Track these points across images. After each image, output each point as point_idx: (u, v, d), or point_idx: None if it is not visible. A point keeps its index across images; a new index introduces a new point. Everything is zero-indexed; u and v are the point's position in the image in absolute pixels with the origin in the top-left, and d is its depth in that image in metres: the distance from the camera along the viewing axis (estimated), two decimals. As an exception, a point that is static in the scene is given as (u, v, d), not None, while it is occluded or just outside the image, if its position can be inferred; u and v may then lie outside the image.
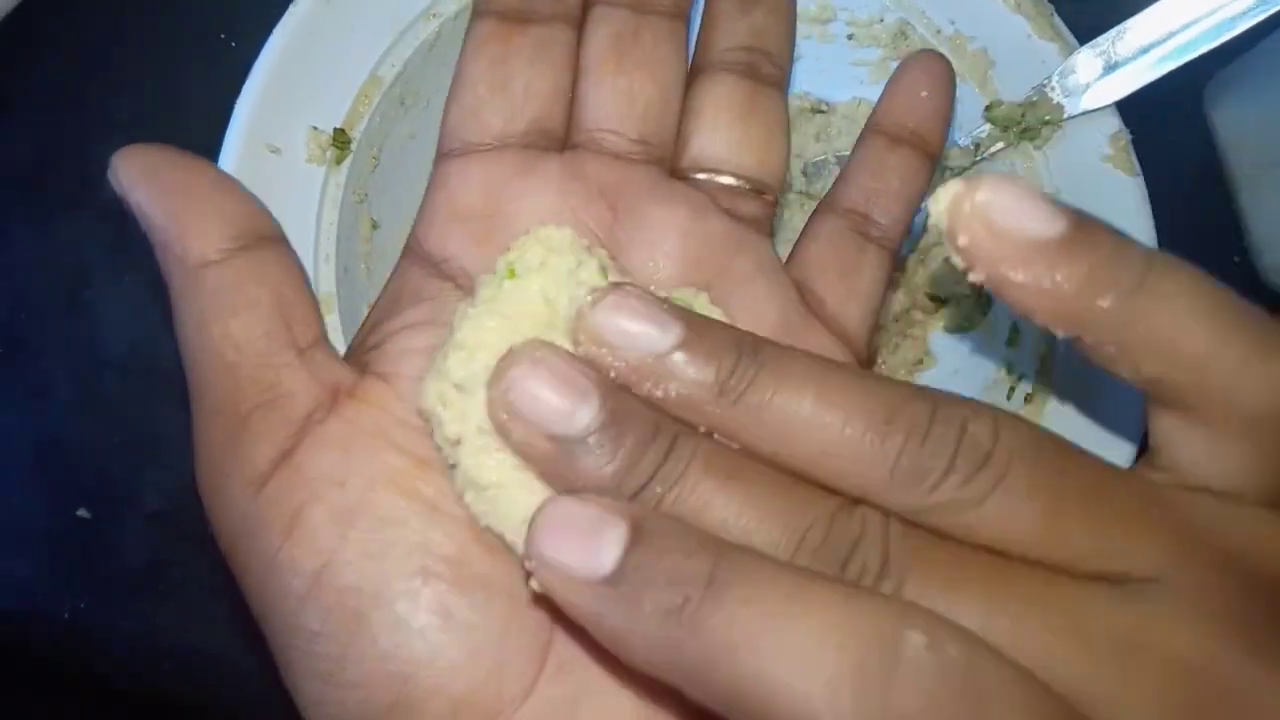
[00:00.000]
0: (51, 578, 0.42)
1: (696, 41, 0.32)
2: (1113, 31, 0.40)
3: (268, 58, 0.36)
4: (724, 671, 0.18)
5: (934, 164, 0.33)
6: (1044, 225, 0.20)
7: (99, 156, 0.23)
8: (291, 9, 0.37)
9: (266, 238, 0.26)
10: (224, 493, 0.25)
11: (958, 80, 0.42)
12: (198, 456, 0.26)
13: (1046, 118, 0.40)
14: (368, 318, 0.29)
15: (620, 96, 0.30)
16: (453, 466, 0.24)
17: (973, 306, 0.43)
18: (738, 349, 0.22)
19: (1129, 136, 0.40)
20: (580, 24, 0.31)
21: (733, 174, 0.30)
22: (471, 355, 0.24)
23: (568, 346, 0.24)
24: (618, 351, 0.22)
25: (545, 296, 0.24)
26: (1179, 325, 0.20)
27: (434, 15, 0.39)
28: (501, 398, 0.22)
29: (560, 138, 0.30)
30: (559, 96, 0.30)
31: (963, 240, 0.20)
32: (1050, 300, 0.20)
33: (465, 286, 0.27)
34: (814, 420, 0.21)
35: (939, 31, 0.42)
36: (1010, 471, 0.20)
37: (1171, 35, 0.39)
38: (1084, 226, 0.20)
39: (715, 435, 0.22)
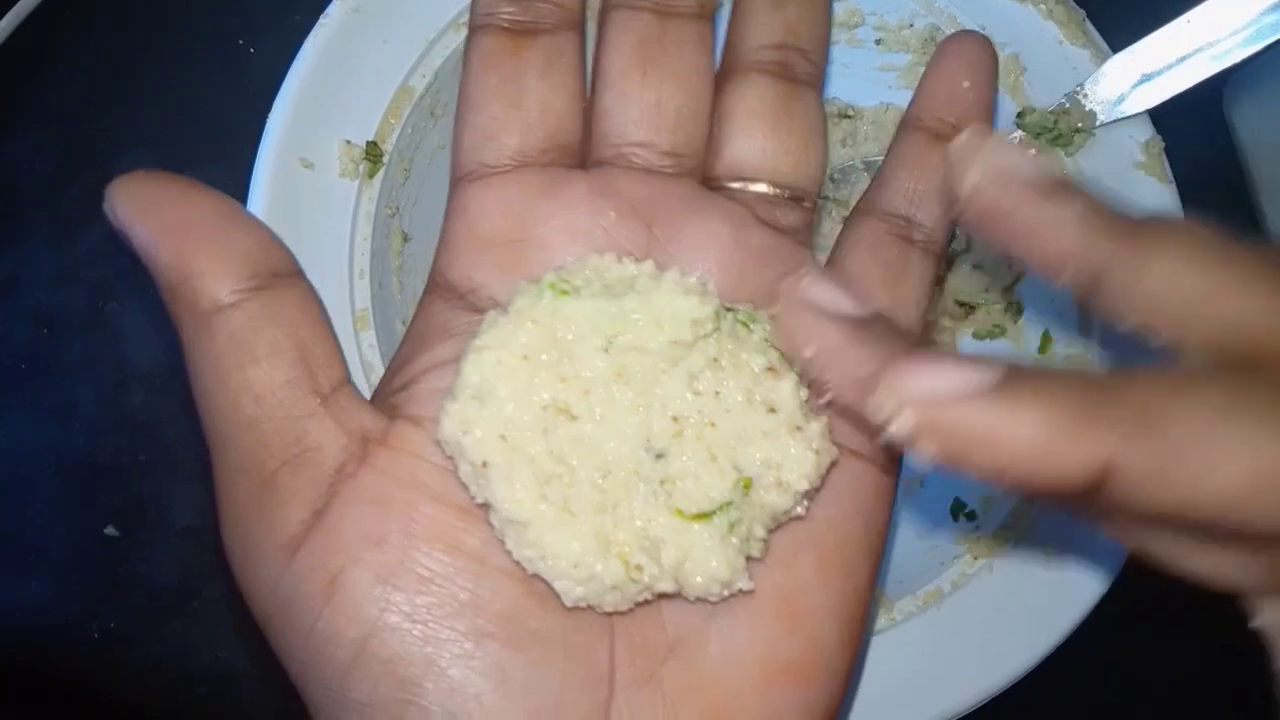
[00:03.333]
0: (81, 596, 0.42)
1: (725, 40, 0.30)
2: (1146, 40, 0.40)
3: (298, 71, 0.36)
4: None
5: None
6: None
7: (119, 168, 0.22)
8: (321, 22, 0.36)
9: (282, 274, 0.25)
10: (254, 559, 0.23)
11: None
12: (223, 518, 0.24)
13: (1079, 125, 0.40)
14: (394, 358, 0.27)
15: (648, 108, 0.28)
16: (487, 506, 0.23)
17: (1002, 313, 0.43)
18: None
19: (1162, 144, 0.40)
20: (583, 29, 0.29)
21: (769, 181, 0.29)
22: (495, 356, 0.23)
23: (611, 371, 0.24)
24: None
25: (599, 317, 0.24)
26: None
27: (463, 25, 0.39)
28: (795, 304, 0.23)
29: (578, 152, 0.28)
30: (573, 109, 0.28)
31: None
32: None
33: None
34: None
35: (970, 38, 0.41)
36: None
37: (1204, 43, 0.39)
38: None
39: None
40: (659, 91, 0.28)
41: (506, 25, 0.28)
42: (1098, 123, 0.40)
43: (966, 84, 0.30)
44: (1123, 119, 0.40)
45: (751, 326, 0.25)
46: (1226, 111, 0.49)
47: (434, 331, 0.26)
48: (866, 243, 0.30)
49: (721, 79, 0.30)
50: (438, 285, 0.27)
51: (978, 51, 0.30)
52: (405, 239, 0.40)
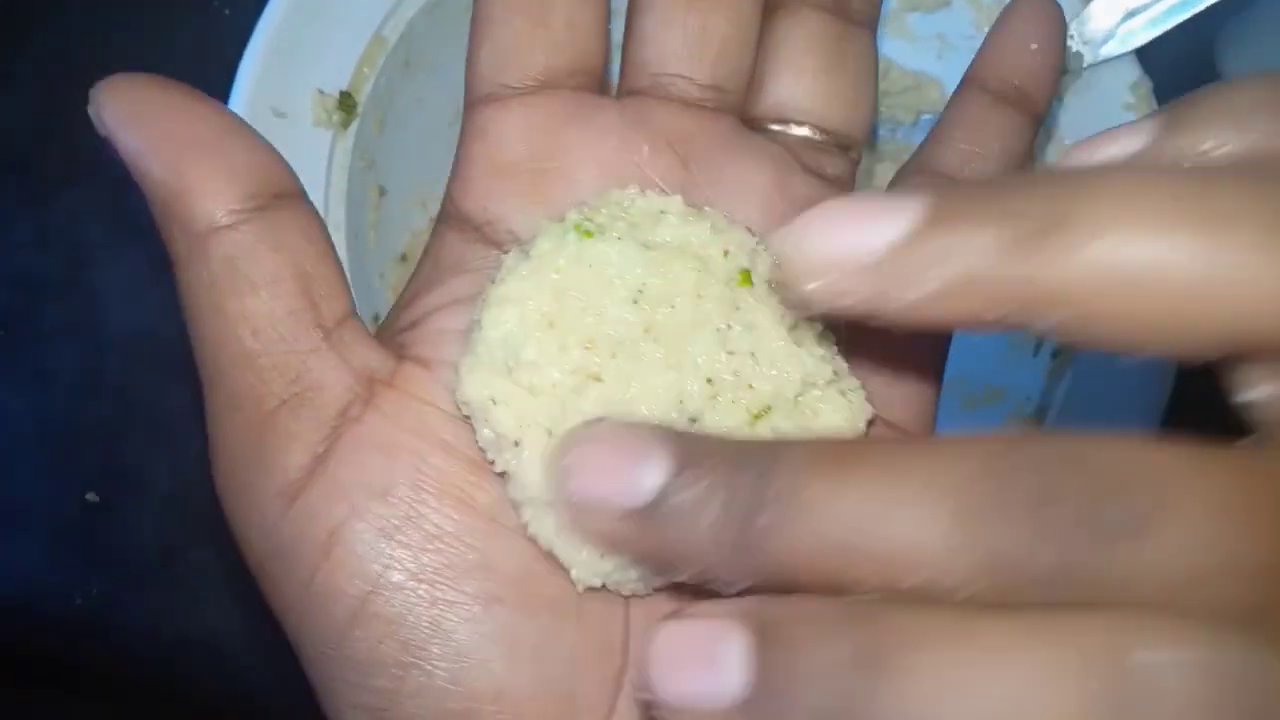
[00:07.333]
0: (63, 564, 0.41)
1: None
2: (1131, -23, 0.39)
3: (270, 19, 0.35)
4: None
5: (1038, 126, 0.30)
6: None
7: (95, 132, 0.21)
8: (292, -30, 0.36)
9: (285, 194, 0.23)
10: (250, 504, 0.22)
11: (972, 31, 0.41)
12: (215, 459, 0.22)
13: (1065, 67, 0.39)
14: (404, 292, 0.25)
15: (692, 36, 0.26)
16: (503, 475, 0.22)
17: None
18: None
19: (1150, 84, 0.39)
20: None
21: (816, 125, 0.27)
22: (517, 310, 0.21)
23: (640, 326, 0.22)
24: None
25: (625, 262, 0.22)
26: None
27: (436, -25, 0.38)
28: (566, 500, 0.18)
29: (602, 79, 0.26)
30: (600, 30, 0.26)
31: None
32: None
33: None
34: None
35: (953, -19, 0.41)
36: None
37: (1191, -22, 0.39)
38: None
39: None
40: (705, 18, 0.26)
41: None
42: (1085, 64, 0.39)
43: (1034, 46, 0.29)
44: (1109, 60, 0.39)
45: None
46: (1219, 63, 0.48)
47: (447, 266, 0.24)
48: None
49: (769, 11, 0.27)
50: (451, 215, 0.25)
51: (1047, 13, 0.29)
52: (381, 192, 0.39)
